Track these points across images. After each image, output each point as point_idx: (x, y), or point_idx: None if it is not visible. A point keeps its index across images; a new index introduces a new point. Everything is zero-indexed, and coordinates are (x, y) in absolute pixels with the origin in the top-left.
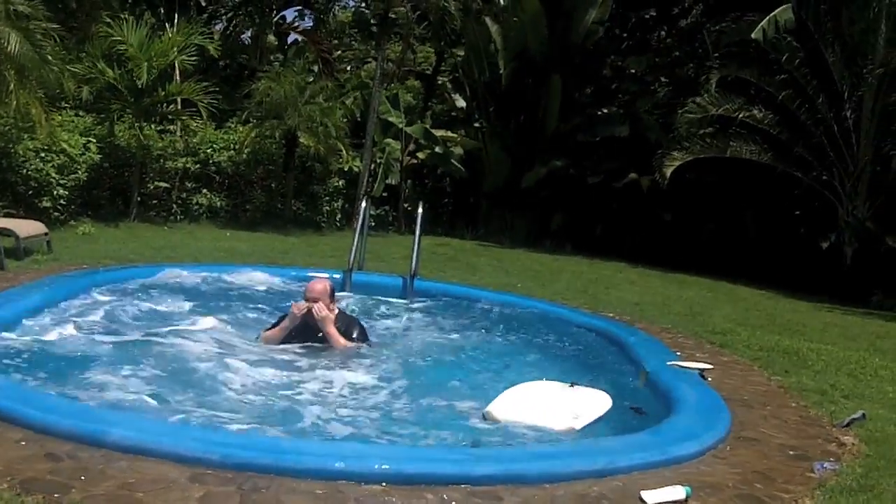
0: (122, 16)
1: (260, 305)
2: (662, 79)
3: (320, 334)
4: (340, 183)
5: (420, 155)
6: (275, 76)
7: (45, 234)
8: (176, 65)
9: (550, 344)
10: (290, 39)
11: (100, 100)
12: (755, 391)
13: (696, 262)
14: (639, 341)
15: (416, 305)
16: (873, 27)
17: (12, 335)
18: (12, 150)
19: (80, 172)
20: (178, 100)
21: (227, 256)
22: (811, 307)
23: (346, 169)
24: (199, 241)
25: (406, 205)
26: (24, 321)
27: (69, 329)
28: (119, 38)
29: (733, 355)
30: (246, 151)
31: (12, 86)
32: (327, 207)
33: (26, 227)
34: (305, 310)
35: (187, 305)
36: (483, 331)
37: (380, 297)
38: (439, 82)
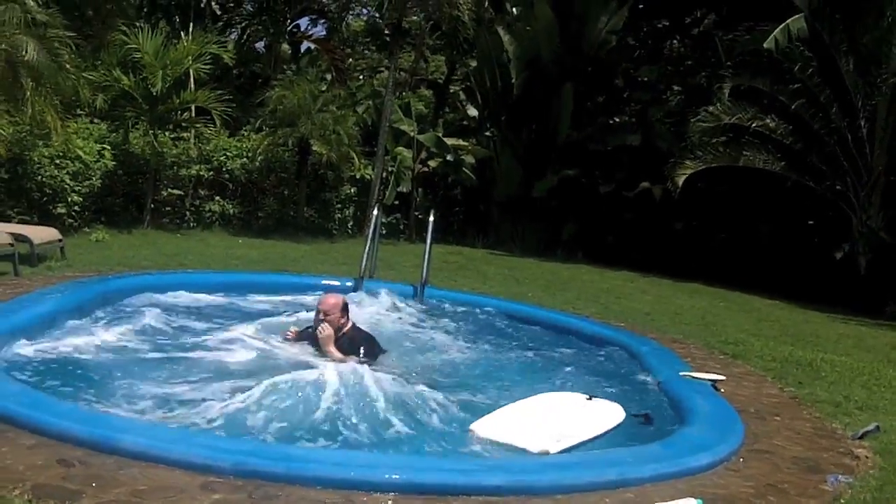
0: (138, 24)
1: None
2: (675, 87)
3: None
4: (352, 191)
5: (431, 163)
6: (288, 84)
7: (59, 240)
8: (190, 73)
9: (565, 355)
10: (303, 48)
11: (115, 107)
12: (768, 402)
13: (708, 272)
14: (651, 351)
15: (425, 313)
16: (887, 36)
17: (27, 342)
18: (28, 157)
19: (94, 179)
20: (193, 107)
21: (239, 264)
22: (825, 318)
23: (357, 177)
24: (211, 248)
25: (417, 213)
26: (39, 328)
27: (81, 338)
28: (134, 46)
29: (746, 366)
30: (259, 159)
31: (28, 93)
32: (339, 215)
33: (40, 234)
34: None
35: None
36: (493, 341)
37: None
38: (451, 91)
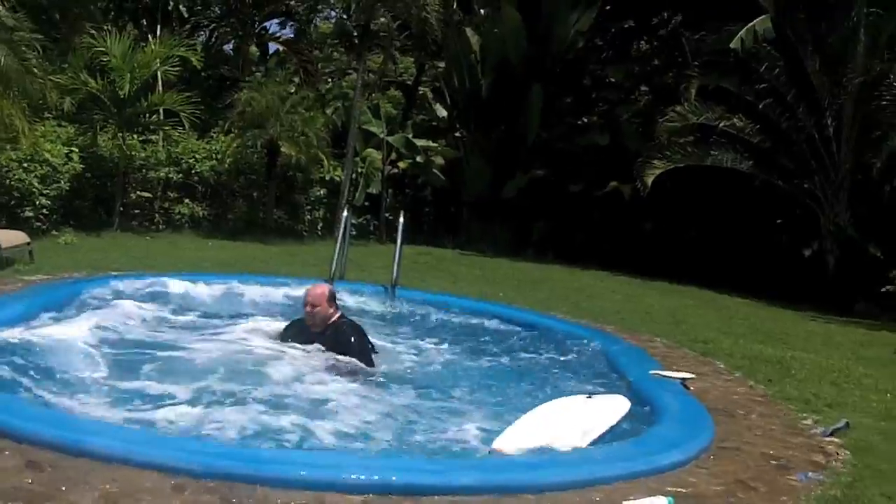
0: (106, 27)
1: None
2: (642, 88)
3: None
4: (322, 192)
5: (401, 164)
6: (256, 86)
7: (28, 243)
8: (158, 75)
9: (545, 358)
10: (271, 50)
11: (82, 110)
12: (738, 400)
13: (678, 271)
14: (621, 350)
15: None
16: (852, 36)
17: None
18: None
19: (62, 182)
20: (161, 110)
21: (209, 266)
22: (794, 315)
23: (327, 178)
24: (180, 250)
25: (387, 214)
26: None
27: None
28: (102, 50)
29: (716, 364)
30: (228, 161)
31: None
32: (309, 217)
33: (8, 237)
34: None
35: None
36: (465, 343)
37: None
38: (420, 92)
